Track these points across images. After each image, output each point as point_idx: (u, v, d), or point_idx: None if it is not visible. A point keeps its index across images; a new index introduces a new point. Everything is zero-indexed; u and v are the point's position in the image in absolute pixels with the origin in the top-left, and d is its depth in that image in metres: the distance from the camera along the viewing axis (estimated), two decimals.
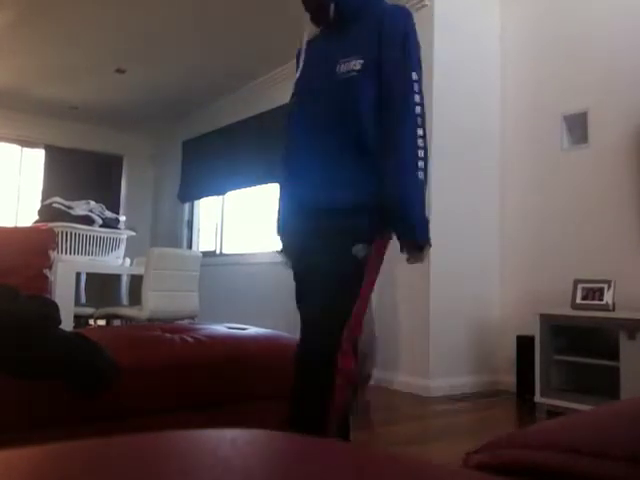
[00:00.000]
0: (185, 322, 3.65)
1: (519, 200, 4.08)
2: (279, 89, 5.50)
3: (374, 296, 3.00)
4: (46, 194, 6.80)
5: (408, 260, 1.63)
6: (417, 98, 1.60)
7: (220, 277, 6.06)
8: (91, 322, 4.01)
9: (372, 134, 1.61)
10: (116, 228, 4.04)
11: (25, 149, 7.29)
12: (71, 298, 3.53)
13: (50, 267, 2.30)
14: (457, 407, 3.42)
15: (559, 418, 0.63)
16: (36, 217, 3.93)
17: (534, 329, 3.31)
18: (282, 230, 1.88)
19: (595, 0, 3.75)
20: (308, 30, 1.80)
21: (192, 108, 6.96)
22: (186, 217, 7.27)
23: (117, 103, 6.84)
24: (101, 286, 4.29)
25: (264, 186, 5.85)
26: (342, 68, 1.64)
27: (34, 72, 5.96)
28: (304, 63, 1.80)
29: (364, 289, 1.60)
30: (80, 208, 3.85)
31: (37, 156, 7.34)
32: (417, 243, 1.59)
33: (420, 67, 1.65)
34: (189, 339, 1.94)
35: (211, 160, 6.66)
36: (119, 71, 5.83)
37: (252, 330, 2.27)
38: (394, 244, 1.66)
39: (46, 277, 2.25)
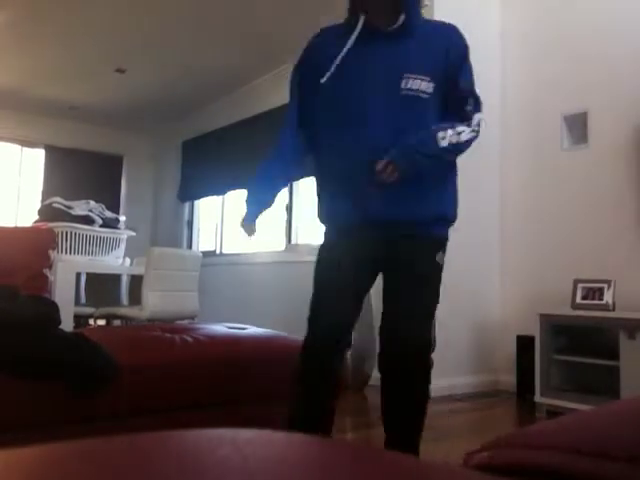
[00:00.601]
0: (185, 322, 3.65)
1: (519, 200, 4.08)
2: (279, 89, 5.50)
3: (374, 297, 2.99)
4: (46, 194, 6.78)
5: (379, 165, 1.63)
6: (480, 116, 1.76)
7: (220, 277, 6.05)
8: (91, 322, 4.01)
9: None
10: (116, 228, 4.04)
11: (25, 149, 7.28)
12: (71, 298, 3.54)
13: (50, 267, 2.31)
14: (457, 407, 3.42)
15: (559, 418, 0.63)
16: (36, 217, 3.94)
17: (534, 329, 3.31)
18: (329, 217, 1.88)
19: (595, 0, 3.75)
20: (356, 33, 1.69)
21: (192, 108, 6.95)
22: (186, 217, 7.26)
23: (117, 103, 6.83)
24: (101, 286, 4.29)
25: None
26: (409, 84, 1.66)
27: (34, 72, 5.96)
28: (345, 66, 1.71)
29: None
30: (80, 208, 3.85)
31: (37, 156, 7.33)
32: (396, 164, 1.61)
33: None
34: (189, 339, 1.94)
35: (211, 160, 6.65)
36: (119, 71, 5.82)
37: (252, 330, 2.27)
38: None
39: (46, 277, 2.25)
